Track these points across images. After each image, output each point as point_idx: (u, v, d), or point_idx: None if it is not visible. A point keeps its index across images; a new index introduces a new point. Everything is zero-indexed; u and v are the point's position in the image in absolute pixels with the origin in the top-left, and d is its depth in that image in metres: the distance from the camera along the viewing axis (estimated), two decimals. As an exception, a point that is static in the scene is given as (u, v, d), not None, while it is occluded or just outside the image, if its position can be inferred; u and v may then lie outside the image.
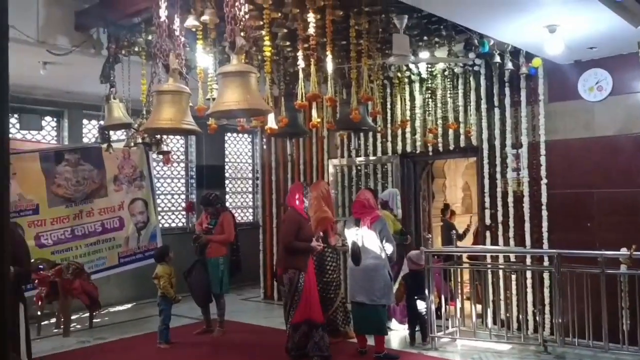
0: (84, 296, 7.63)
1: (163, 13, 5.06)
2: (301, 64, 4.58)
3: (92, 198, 8.91)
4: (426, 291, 6.42)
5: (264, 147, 9.87)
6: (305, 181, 8.64)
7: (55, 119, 9.27)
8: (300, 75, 4.58)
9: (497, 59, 6.35)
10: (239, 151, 11.89)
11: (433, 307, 6.46)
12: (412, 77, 8.01)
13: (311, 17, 4.36)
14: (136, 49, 5.72)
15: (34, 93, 8.67)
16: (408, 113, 8.13)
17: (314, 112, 5.05)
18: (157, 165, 10.51)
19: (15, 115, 8.78)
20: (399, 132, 8.04)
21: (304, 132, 6.56)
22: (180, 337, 6.99)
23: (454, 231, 7.15)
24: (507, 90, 7.19)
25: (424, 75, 7.85)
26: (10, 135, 8.83)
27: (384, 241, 5.90)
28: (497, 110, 7.29)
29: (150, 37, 5.60)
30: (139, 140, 5.51)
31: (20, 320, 3.75)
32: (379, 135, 8.33)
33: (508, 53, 6.42)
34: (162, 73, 4.95)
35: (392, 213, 7.38)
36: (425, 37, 5.91)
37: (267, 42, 4.65)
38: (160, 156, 11.18)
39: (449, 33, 5.74)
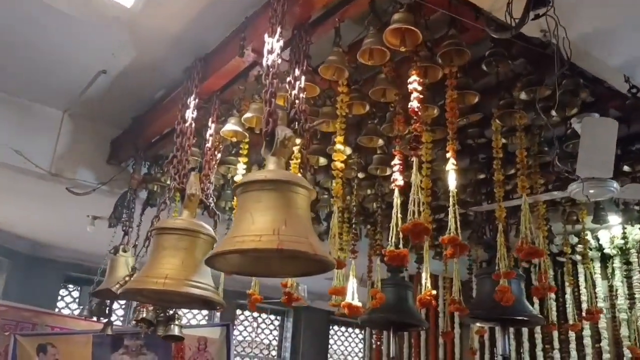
0: None
1: (190, 114, 3.38)
2: (397, 178, 2.42)
3: (151, 400, 6.82)
4: None
5: (374, 345, 7.35)
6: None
7: (123, 295, 7.72)
8: (396, 199, 2.40)
9: None
10: (347, 350, 9.43)
11: None
12: (591, 252, 5.39)
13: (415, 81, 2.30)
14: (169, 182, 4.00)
15: (104, 263, 7.28)
16: (584, 305, 5.38)
17: (425, 278, 2.70)
18: (241, 361, 8.37)
19: (77, 288, 7.38)
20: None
21: (418, 321, 4.15)
22: None
23: None
24: None
25: (608, 249, 5.22)
26: (68, 312, 7.44)
27: None
28: None
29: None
30: (144, 315, 3.48)
31: None
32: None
33: None
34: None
35: None
36: (625, 166, 3.47)
37: (339, 145, 2.64)
38: (249, 349, 9.13)
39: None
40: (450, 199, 2.30)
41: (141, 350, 6.98)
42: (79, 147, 4.31)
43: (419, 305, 2.69)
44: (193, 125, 3.15)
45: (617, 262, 5.28)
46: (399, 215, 2.39)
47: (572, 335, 5.39)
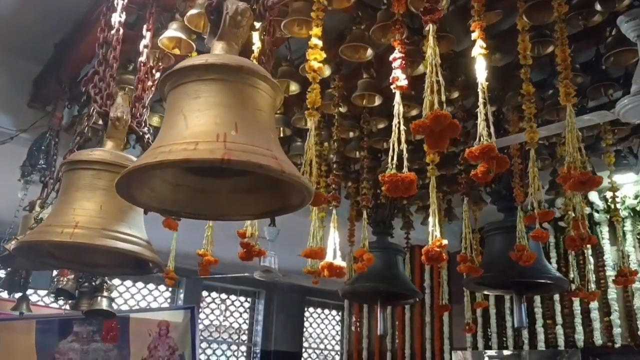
0: None
1: (117, 18, 2.61)
2: (398, 76, 1.70)
3: (107, 391, 6.12)
4: None
5: (352, 327, 6.70)
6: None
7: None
8: (398, 105, 1.68)
9: None
10: (324, 333, 8.83)
11: None
12: (596, 215, 4.79)
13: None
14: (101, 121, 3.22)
15: (14, 223, 6.44)
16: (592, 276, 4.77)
17: (432, 224, 1.98)
18: (207, 347, 7.66)
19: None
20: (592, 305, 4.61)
21: (411, 291, 3.47)
22: None
23: None
24: None
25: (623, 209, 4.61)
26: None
27: None
28: None
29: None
30: (63, 285, 2.71)
31: None
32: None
33: None
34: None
35: None
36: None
37: (315, 39, 1.91)
38: (217, 334, 8.35)
39: None
40: (480, 94, 1.59)
41: (93, 337, 6.26)
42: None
43: (425, 260, 1.98)
44: (121, 31, 2.38)
45: (628, 225, 4.68)
46: (402, 127, 1.67)
47: (577, 308, 4.79)
